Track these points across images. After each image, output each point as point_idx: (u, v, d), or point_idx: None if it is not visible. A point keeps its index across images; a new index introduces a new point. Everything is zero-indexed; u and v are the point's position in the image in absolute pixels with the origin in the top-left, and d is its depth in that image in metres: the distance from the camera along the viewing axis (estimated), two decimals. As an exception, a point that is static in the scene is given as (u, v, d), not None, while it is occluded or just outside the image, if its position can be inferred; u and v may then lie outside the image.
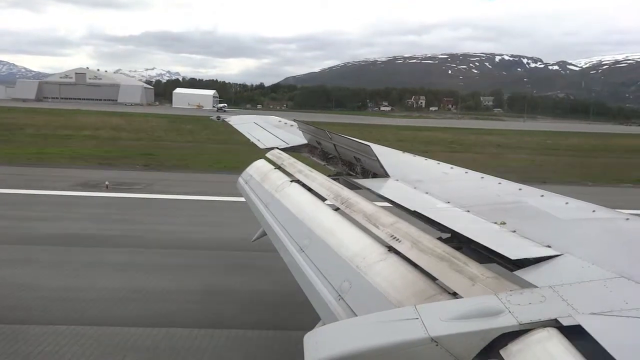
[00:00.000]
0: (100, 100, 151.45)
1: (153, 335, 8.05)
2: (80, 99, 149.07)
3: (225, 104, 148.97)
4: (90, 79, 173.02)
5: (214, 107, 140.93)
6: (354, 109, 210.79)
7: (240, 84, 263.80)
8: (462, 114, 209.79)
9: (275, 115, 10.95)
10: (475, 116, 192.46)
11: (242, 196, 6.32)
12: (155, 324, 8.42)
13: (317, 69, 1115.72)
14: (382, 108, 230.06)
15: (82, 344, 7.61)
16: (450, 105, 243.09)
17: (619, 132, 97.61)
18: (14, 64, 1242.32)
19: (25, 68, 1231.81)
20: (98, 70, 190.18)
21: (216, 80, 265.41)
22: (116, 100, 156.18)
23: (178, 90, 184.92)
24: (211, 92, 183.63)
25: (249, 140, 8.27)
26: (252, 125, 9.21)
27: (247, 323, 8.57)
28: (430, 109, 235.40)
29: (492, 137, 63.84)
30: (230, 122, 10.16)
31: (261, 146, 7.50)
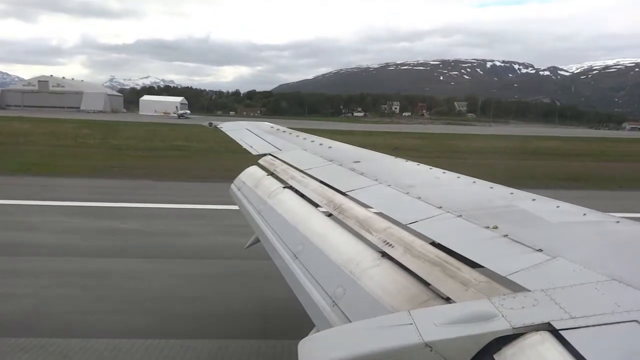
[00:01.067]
0: (63, 107, 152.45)
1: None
2: (43, 106, 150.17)
3: (188, 111, 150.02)
4: (53, 86, 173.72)
5: (173, 113, 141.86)
6: (327, 115, 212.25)
7: (216, 91, 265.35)
8: (434, 119, 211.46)
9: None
10: (446, 121, 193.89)
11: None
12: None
13: (310, 76, 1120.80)
14: (355, 114, 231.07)
15: None
16: (423, 111, 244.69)
17: (574, 136, 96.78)
18: (7, 73, 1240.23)
19: (18, 77, 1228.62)
20: (63, 77, 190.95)
21: (191, 88, 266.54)
22: (79, 108, 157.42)
23: (145, 97, 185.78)
24: (178, 99, 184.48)
25: (241, 146, 8.19)
26: (244, 132, 9.11)
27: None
28: (404, 114, 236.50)
29: (440, 140, 63.37)
30: (222, 129, 10.11)
31: (254, 152, 7.43)
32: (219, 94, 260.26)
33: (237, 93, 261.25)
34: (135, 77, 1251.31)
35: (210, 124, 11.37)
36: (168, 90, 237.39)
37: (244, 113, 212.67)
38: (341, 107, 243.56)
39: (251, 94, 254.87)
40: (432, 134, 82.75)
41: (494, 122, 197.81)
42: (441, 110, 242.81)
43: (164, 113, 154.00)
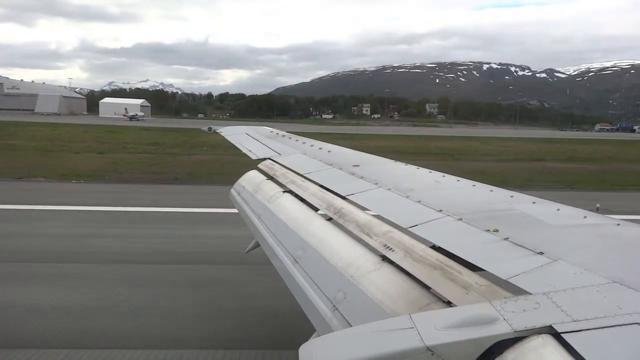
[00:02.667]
0: (19, 110, 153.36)
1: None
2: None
3: (141, 113, 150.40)
4: (8, 88, 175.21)
5: (123, 115, 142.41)
6: (295, 117, 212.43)
7: (189, 93, 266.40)
8: (402, 120, 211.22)
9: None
10: (412, 123, 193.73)
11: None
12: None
13: (308, 79, 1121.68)
14: (324, 116, 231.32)
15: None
16: (394, 113, 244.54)
17: (521, 137, 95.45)
18: (6, 77, 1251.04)
19: (35, 82, 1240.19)
20: (22, 80, 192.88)
21: (162, 90, 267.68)
22: (34, 110, 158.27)
23: (105, 100, 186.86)
24: (139, 101, 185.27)
25: (241, 150, 8.21)
26: (243, 136, 9.18)
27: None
28: (373, 116, 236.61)
29: (373, 142, 63.28)
30: (222, 133, 10.24)
31: (253, 157, 7.41)
32: (192, 96, 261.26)
33: (209, 96, 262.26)
34: (134, 80, 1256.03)
35: (210, 128, 11.31)
36: (138, 94, 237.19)
37: (213, 115, 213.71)
38: (310, 109, 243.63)
39: (224, 97, 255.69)
40: (372, 135, 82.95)
41: (462, 124, 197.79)
42: (410, 112, 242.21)
43: (123, 115, 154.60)
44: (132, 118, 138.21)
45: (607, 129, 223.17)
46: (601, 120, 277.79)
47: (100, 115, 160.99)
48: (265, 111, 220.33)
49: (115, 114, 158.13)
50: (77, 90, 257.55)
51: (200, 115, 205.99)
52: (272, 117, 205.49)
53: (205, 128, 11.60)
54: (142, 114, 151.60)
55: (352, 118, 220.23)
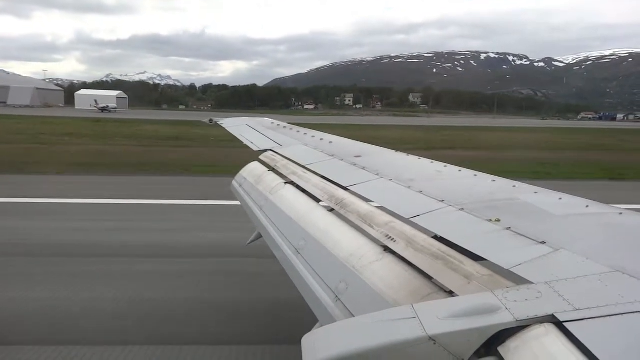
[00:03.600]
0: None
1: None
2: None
3: (112, 105, 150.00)
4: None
5: (94, 107, 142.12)
6: (277, 108, 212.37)
7: (171, 85, 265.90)
8: (384, 111, 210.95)
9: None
10: (393, 113, 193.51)
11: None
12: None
13: (305, 70, 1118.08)
14: (305, 106, 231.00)
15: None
16: (376, 103, 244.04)
17: (490, 126, 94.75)
18: (3, 70, 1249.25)
19: (14, 74, 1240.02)
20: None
21: (143, 81, 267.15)
22: (6, 103, 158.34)
23: (81, 92, 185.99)
24: (115, 93, 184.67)
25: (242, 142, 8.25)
26: (244, 128, 9.20)
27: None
28: (356, 106, 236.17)
29: (333, 131, 62.83)
30: (223, 125, 10.18)
31: (254, 148, 7.42)
32: (174, 87, 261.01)
33: (192, 87, 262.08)
34: (131, 72, 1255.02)
35: (211, 120, 11.21)
36: (116, 86, 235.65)
37: (195, 107, 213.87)
38: (293, 100, 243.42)
39: (206, 88, 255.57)
40: (337, 124, 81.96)
41: (444, 114, 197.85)
42: (393, 102, 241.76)
43: (94, 107, 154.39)
44: (103, 110, 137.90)
45: (590, 118, 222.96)
46: (592, 109, 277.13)
47: (76, 108, 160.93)
48: (246, 102, 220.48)
49: (90, 105, 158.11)
50: (58, 82, 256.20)
51: (181, 107, 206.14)
52: (253, 108, 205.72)
53: (206, 120, 11.54)
54: (115, 105, 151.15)
55: (334, 108, 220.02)
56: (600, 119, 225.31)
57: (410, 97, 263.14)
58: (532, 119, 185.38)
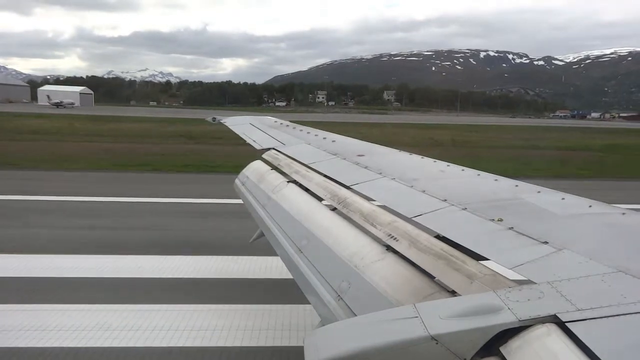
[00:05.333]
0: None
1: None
2: None
3: (68, 100, 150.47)
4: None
5: (47, 102, 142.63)
6: (248, 105, 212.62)
7: (147, 82, 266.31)
8: (355, 108, 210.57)
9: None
10: (362, 110, 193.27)
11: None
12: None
13: (306, 68, 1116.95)
14: (277, 103, 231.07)
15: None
16: (349, 100, 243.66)
17: (444, 123, 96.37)
18: (4, 66, 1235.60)
19: (15, 70, 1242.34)
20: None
21: (117, 77, 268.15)
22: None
23: (44, 87, 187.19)
24: (78, 88, 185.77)
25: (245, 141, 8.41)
26: (247, 126, 9.25)
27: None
28: (330, 103, 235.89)
29: None
30: (226, 123, 10.22)
31: (257, 147, 7.44)
32: (150, 84, 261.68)
33: (168, 83, 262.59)
34: (133, 69, 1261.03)
35: (214, 118, 11.19)
36: (79, 82, 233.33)
37: (167, 103, 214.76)
38: (264, 97, 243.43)
39: (181, 85, 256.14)
40: (298, 121, 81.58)
41: (415, 111, 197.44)
42: (365, 100, 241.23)
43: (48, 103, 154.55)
44: (58, 105, 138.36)
45: (561, 116, 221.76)
46: (586, 107, 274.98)
47: (38, 103, 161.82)
48: (217, 99, 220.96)
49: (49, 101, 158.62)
50: (60, 78, 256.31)
51: (152, 103, 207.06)
52: (224, 105, 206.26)
53: (209, 118, 11.48)
54: (71, 101, 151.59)
55: (307, 105, 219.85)
56: (573, 117, 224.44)
57: (385, 95, 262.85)
58: (502, 116, 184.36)
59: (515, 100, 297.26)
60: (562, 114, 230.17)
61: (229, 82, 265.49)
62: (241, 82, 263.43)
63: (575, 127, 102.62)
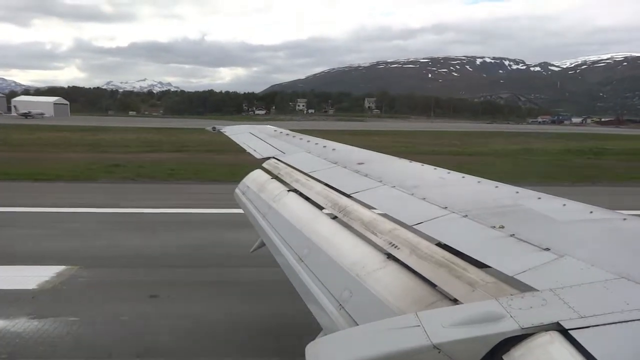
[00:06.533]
0: None
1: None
2: None
3: (37, 111, 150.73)
4: None
5: (15, 112, 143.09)
6: (227, 113, 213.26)
7: (129, 91, 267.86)
8: (335, 115, 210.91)
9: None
10: (339, 117, 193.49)
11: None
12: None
13: (303, 76, 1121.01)
14: (257, 112, 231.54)
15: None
16: (329, 108, 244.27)
17: (421, 130, 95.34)
18: (3, 78, 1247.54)
19: (15, 82, 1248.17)
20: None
21: (98, 87, 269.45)
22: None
23: (18, 98, 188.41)
24: (52, 99, 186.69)
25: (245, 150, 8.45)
26: (247, 136, 9.30)
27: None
28: (310, 111, 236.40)
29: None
30: (226, 133, 10.24)
31: (258, 156, 7.45)
32: (129, 93, 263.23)
33: (150, 93, 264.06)
34: (132, 79, 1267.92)
35: (214, 128, 11.23)
36: (58, 92, 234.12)
37: (146, 112, 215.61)
38: (244, 105, 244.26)
39: (163, 94, 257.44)
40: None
41: (393, 118, 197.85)
42: (344, 107, 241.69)
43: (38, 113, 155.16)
44: (26, 116, 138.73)
45: (539, 122, 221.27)
46: (582, 112, 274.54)
47: (12, 114, 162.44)
48: (197, 108, 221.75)
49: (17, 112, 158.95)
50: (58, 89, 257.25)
51: (131, 113, 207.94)
52: (204, 114, 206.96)
53: (209, 128, 11.49)
54: (41, 112, 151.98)
55: (287, 113, 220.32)
56: (553, 122, 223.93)
57: (366, 102, 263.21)
58: (480, 122, 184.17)
59: (500, 107, 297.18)
60: (541, 120, 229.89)
61: (210, 91, 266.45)
62: (239, 92, 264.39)
63: (536, 132, 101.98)
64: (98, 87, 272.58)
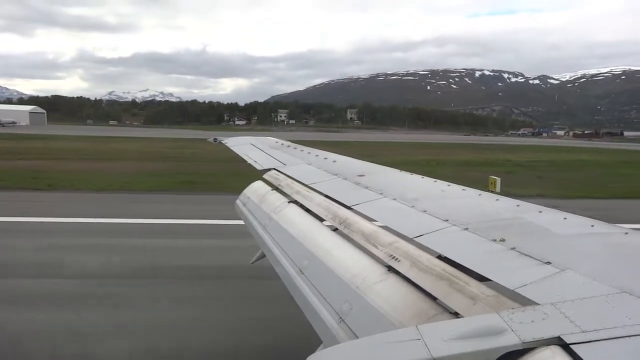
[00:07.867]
0: None
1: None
2: None
3: (12, 119, 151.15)
4: None
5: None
6: (207, 124, 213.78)
7: (114, 101, 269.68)
8: (316, 126, 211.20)
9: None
10: (318, 128, 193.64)
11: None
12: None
13: (304, 88, 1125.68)
14: (237, 122, 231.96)
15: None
16: (309, 119, 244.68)
17: (378, 141, 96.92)
18: (6, 87, 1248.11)
19: (17, 91, 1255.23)
20: None
21: (81, 97, 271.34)
22: None
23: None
24: (28, 107, 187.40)
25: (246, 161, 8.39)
26: (248, 147, 9.37)
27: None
28: (291, 121, 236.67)
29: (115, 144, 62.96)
30: (227, 144, 10.35)
31: (258, 167, 7.49)
32: (116, 103, 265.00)
33: (134, 103, 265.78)
34: (134, 90, 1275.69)
35: (215, 139, 11.29)
36: (41, 101, 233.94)
37: (127, 122, 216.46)
38: (226, 115, 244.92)
39: (146, 104, 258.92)
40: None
41: (373, 129, 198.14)
42: (323, 118, 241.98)
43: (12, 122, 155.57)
44: (4, 125, 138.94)
45: (519, 134, 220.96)
46: (583, 126, 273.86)
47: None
48: (177, 117, 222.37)
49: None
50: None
51: (112, 122, 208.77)
52: (183, 124, 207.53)
53: (210, 139, 11.56)
54: (13, 120, 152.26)
55: (267, 124, 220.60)
56: (533, 134, 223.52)
57: (348, 113, 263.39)
58: (457, 134, 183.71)
59: (483, 119, 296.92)
60: (522, 132, 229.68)
61: (193, 101, 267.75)
62: (236, 102, 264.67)
63: (489, 144, 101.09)
64: (81, 97, 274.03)
